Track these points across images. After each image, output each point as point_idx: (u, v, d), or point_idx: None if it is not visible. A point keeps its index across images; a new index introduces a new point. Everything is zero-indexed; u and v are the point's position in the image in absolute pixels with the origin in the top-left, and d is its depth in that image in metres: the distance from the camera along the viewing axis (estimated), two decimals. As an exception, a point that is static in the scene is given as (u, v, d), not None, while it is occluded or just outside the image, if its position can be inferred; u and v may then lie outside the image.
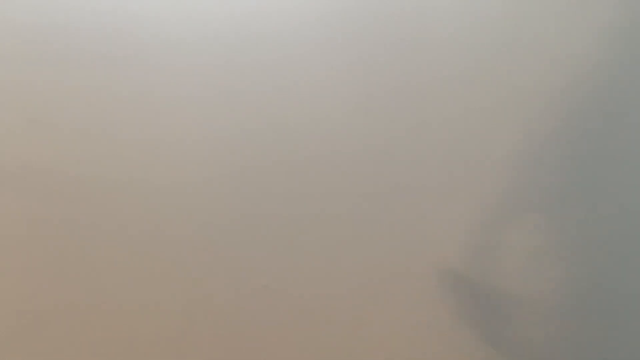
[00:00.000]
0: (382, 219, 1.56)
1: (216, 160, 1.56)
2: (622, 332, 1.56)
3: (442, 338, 1.54)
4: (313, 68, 1.57)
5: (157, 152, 1.55)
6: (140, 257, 1.53)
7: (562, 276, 1.55)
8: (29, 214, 1.53)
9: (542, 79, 1.56)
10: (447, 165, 1.57)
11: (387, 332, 1.54)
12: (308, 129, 1.57)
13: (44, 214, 1.53)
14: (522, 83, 1.57)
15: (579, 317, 1.56)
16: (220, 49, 1.57)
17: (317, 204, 1.56)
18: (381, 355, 1.54)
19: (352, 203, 1.56)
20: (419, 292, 1.55)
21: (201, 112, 1.56)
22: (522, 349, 1.55)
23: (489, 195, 1.56)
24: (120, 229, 1.54)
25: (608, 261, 1.56)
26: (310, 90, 1.57)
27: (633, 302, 1.55)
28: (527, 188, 1.56)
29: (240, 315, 1.54)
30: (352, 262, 1.55)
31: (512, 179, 1.56)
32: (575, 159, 1.57)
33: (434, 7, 1.57)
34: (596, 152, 1.57)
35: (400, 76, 1.58)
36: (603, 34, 1.55)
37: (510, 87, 1.57)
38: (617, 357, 1.55)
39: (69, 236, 1.53)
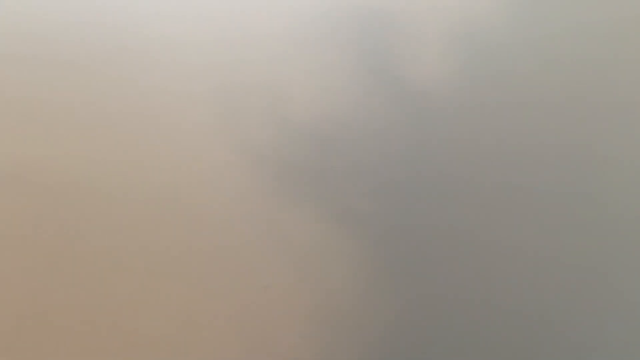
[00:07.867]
0: (383, 217, 1.56)
1: (217, 160, 1.56)
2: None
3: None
4: (315, 66, 1.58)
5: (158, 152, 1.55)
6: (141, 256, 1.53)
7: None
8: (29, 214, 1.53)
9: (542, 79, 1.57)
10: (445, 163, 1.57)
11: (387, 331, 1.54)
12: (310, 128, 1.57)
13: (44, 214, 1.53)
14: (523, 82, 1.57)
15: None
16: (222, 48, 1.58)
17: (317, 203, 1.56)
18: (382, 355, 1.54)
19: (352, 202, 1.56)
20: (422, 291, 1.55)
21: (201, 111, 1.57)
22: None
23: (487, 195, 1.56)
24: (121, 229, 1.54)
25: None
26: (312, 88, 1.57)
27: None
28: (526, 187, 1.56)
29: (240, 315, 1.54)
30: (353, 261, 1.55)
31: (511, 178, 1.56)
32: (574, 158, 1.57)
33: (434, 6, 1.58)
34: (595, 152, 1.57)
35: (400, 74, 1.58)
36: (603, 33, 1.56)
37: (510, 87, 1.57)
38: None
39: (69, 236, 1.53)
